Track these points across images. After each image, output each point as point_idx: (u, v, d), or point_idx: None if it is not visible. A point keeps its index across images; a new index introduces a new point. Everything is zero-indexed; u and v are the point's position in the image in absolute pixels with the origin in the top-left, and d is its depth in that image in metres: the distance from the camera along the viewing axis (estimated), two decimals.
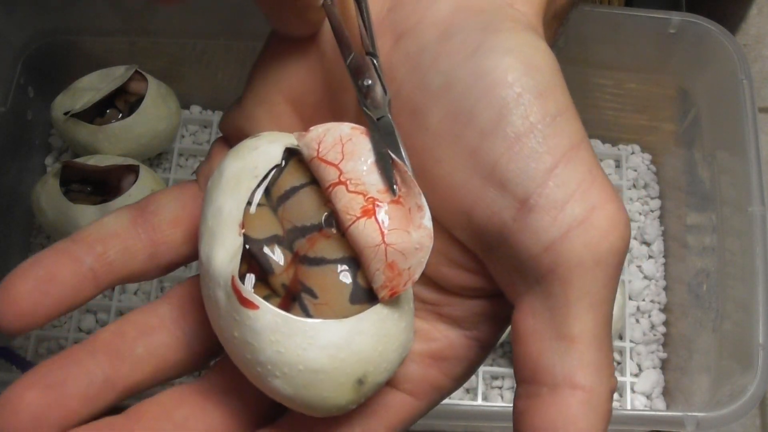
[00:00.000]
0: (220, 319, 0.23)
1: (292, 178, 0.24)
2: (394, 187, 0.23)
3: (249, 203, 0.24)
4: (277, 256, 0.23)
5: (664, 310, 0.62)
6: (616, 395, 0.59)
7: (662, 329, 0.61)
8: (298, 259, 0.24)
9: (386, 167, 0.23)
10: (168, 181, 0.63)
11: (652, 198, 0.65)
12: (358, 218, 0.23)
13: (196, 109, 0.67)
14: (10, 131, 0.60)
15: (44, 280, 0.24)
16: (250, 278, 0.23)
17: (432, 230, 0.22)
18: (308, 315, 0.23)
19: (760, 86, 0.66)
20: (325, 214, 0.24)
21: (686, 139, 0.61)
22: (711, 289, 0.54)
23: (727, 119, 0.55)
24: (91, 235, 0.25)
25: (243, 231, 0.23)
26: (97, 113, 0.61)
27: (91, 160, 0.58)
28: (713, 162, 0.56)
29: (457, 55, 0.23)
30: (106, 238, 0.25)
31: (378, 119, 0.24)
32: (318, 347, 0.22)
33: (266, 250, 0.23)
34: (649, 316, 0.61)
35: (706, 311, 0.55)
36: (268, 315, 0.22)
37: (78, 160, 0.59)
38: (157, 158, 0.65)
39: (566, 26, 0.30)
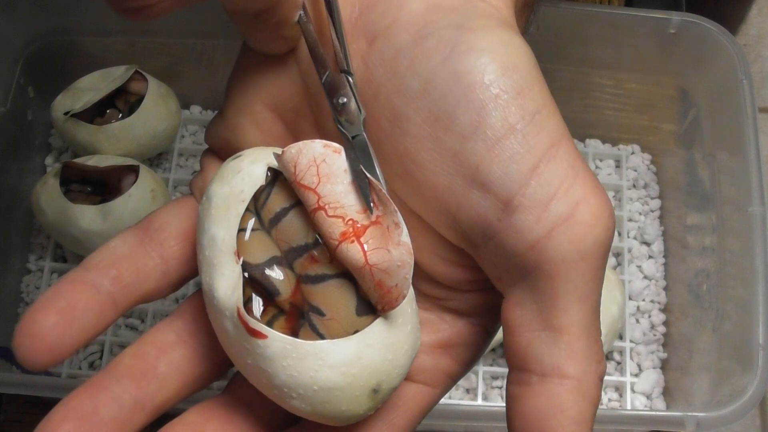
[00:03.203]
0: (231, 346, 0.23)
1: (281, 198, 0.25)
2: (372, 206, 0.23)
3: (243, 230, 0.24)
4: (279, 277, 0.24)
5: (664, 310, 0.62)
6: (615, 395, 0.59)
7: (662, 329, 0.61)
8: (300, 279, 0.24)
9: (362, 187, 0.23)
10: (168, 181, 0.63)
11: (652, 198, 0.65)
12: (341, 242, 0.23)
13: (196, 109, 0.67)
14: (10, 131, 0.60)
15: (66, 312, 0.24)
16: (258, 303, 0.24)
17: (410, 245, 0.23)
18: (317, 333, 0.23)
19: (760, 86, 0.66)
20: (315, 236, 0.24)
21: (686, 139, 0.61)
22: (711, 289, 0.54)
23: (727, 119, 0.55)
24: (103, 260, 0.25)
25: (241, 258, 0.23)
26: (97, 113, 0.61)
27: (91, 160, 0.58)
28: (713, 162, 0.56)
29: (434, 57, 0.23)
30: (118, 262, 0.25)
31: (353, 137, 0.24)
32: (329, 367, 0.22)
33: (268, 273, 0.24)
34: (649, 316, 0.61)
35: (706, 311, 0.55)
36: (277, 342, 0.22)
37: (78, 160, 0.59)
38: (157, 158, 0.65)
39: (537, 13, 0.30)
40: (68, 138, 0.61)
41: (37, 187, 0.58)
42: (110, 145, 0.60)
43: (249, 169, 0.24)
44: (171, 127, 0.62)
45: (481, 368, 0.58)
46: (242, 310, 0.22)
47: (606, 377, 0.59)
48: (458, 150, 0.23)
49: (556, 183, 0.22)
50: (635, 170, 0.66)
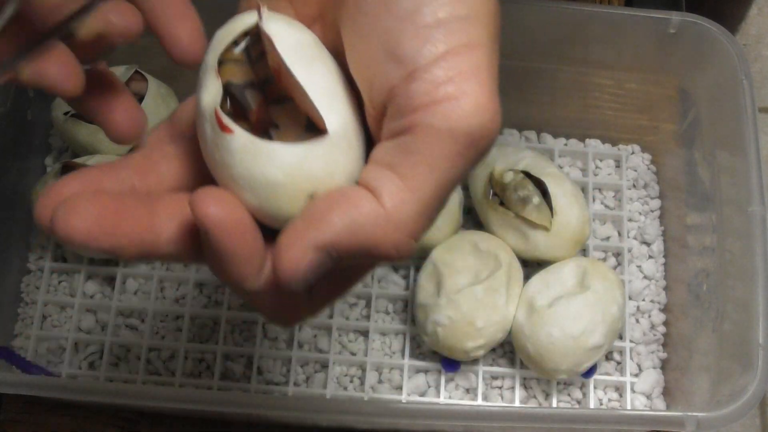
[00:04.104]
0: (206, 146, 0.28)
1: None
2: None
3: (231, 60, 0.29)
4: (251, 97, 0.29)
5: (664, 310, 0.62)
6: (615, 395, 0.59)
7: (662, 329, 0.61)
8: (267, 100, 0.29)
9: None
10: None
11: (652, 198, 0.65)
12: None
13: None
14: (10, 131, 0.60)
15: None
16: (230, 113, 0.28)
17: (301, 86, 0.27)
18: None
19: (760, 86, 0.66)
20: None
21: (686, 139, 0.61)
22: (711, 289, 0.54)
23: (727, 119, 0.55)
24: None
25: (220, 77, 0.28)
26: None
27: (91, 160, 0.58)
28: (713, 162, 0.56)
29: None
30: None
31: None
32: (276, 165, 0.27)
33: (243, 92, 0.29)
34: (649, 316, 0.61)
35: (706, 311, 0.55)
36: (240, 138, 0.27)
37: (78, 160, 0.59)
38: None
39: None
40: (68, 138, 0.61)
41: (37, 187, 0.58)
42: (110, 145, 0.60)
43: (244, 18, 0.29)
44: None
45: (481, 368, 0.58)
46: (219, 109, 0.27)
47: (606, 377, 0.59)
48: (390, 28, 0.26)
49: (454, 73, 0.26)
50: (635, 170, 0.66)
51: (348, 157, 0.28)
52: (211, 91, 0.28)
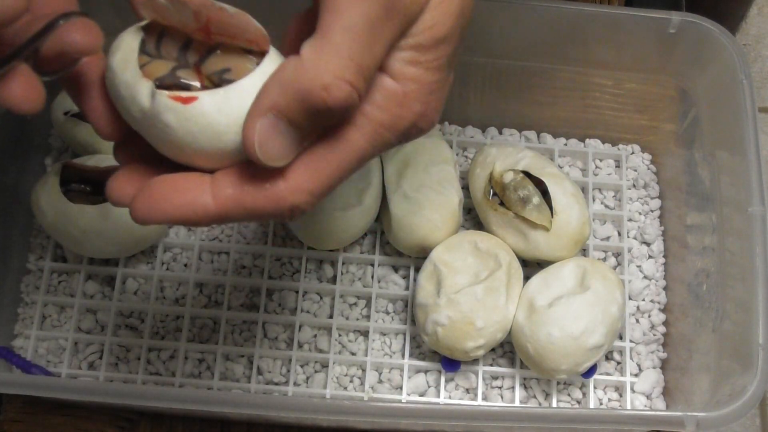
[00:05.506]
0: (175, 135, 0.31)
1: (154, 34, 0.33)
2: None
3: (144, 65, 0.32)
4: (187, 75, 0.32)
5: (664, 310, 0.62)
6: (615, 395, 0.59)
7: (662, 329, 0.61)
8: (199, 62, 0.33)
9: None
10: None
11: (652, 198, 0.65)
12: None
13: None
14: (10, 131, 0.59)
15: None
16: (180, 87, 0.32)
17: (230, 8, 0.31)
18: (232, 81, 0.31)
19: (760, 86, 0.66)
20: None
21: (686, 139, 0.61)
22: (711, 289, 0.54)
23: (727, 119, 0.55)
24: None
25: (149, 78, 0.31)
26: None
27: (91, 160, 0.58)
28: (713, 162, 0.56)
29: None
30: None
31: None
32: (251, 95, 0.30)
33: (177, 74, 0.32)
34: (649, 316, 0.61)
35: (706, 311, 0.55)
36: (207, 97, 0.30)
37: (78, 160, 0.59)
38: None
39: None
40: (68, 138, 0.61)
41: (37, 187, 0.58)
42: (110, 145, 0.59)
43: (125, 36, 0.33)
44: None
45: (481, 368, 0.58)
46: (170, 92, 0.30)
47: (606, 377, 0.59)
48: None
49: None
50: (635, 170, 0.66)
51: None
52: (144, 93, 0.31)
